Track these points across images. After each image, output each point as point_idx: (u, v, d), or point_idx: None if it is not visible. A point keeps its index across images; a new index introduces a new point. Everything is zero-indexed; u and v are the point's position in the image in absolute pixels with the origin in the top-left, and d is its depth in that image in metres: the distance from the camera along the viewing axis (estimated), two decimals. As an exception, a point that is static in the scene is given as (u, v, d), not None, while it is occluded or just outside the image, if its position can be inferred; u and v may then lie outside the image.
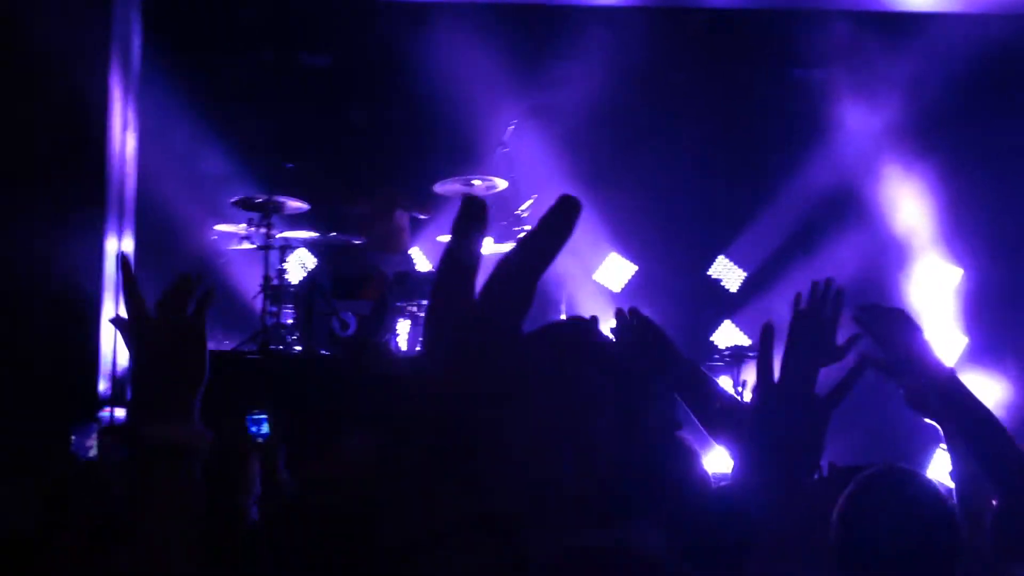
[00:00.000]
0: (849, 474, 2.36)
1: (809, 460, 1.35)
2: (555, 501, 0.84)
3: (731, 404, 2.35)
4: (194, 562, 1.47)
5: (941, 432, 2.28)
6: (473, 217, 0.81)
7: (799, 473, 1.33)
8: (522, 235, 0.81)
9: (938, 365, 2.22)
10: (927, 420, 2.25)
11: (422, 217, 8.80)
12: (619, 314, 2.21)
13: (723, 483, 2.20)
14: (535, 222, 0.79)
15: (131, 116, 8.46)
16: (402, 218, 8.84)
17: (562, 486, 0.82)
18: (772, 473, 1.32)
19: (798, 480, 1.33)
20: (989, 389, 8.18)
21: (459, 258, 0.80)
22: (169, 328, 1.58)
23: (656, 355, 2.20)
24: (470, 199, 0.81)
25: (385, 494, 0.81)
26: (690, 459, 1.98)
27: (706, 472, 2.08)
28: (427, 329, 0.80)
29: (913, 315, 2.27)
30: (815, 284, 1.51)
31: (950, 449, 2.31)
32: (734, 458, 2.07)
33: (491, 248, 8.61)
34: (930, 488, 2.21)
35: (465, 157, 9.08)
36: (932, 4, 9.30)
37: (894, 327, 2.21)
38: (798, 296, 1.61)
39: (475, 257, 0.78)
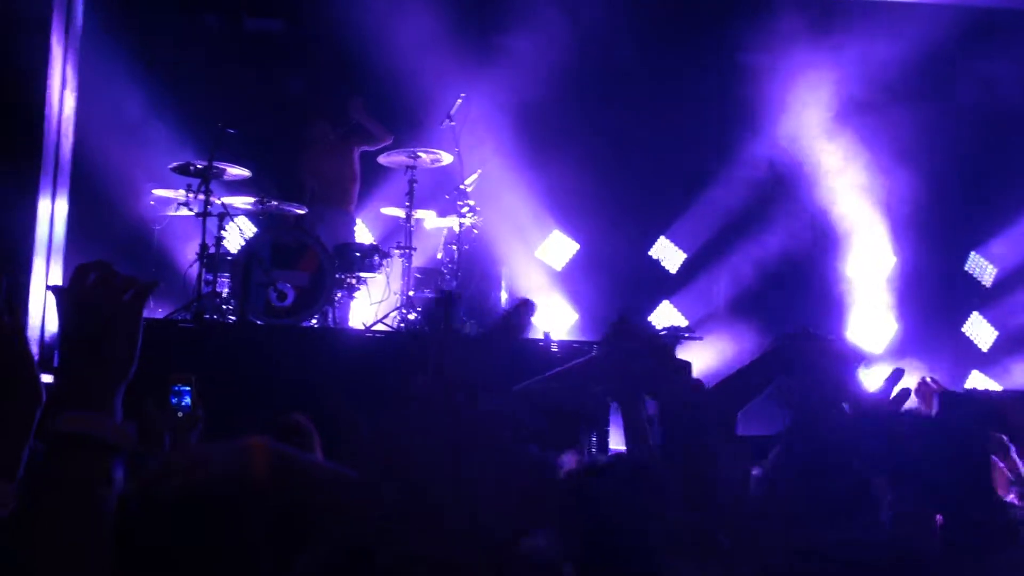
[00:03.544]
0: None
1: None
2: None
3: None
4: (99, 565, 1.37)
5: None
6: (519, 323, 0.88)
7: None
8: (487, 330, 0.88)
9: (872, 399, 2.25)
10: None
11: (380, 144, 8.59)
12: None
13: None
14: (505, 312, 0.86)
15: (71, 75, 8.27)
16: (357, 161, 8.70)
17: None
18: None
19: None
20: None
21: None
22: (103, 310, 1.50)
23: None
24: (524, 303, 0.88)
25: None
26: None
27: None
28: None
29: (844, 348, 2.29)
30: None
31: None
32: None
33: (434, 222, 8.59)
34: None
35: (411, 130, 9.03)
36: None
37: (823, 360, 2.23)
38: None
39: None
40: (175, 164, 7.63)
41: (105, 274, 1.53)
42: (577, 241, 10.11)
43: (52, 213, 7.35)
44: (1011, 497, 2.89)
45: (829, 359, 2.06)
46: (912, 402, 2.82)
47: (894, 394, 2.25)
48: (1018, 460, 2.87)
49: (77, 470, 1.40)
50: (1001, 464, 2.93)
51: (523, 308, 0.90)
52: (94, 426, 1.42)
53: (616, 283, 9.62)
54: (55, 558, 1.37)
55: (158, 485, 1.39)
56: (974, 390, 3.00)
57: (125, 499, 1.41)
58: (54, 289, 1.54)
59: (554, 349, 6.28)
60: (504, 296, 8.94)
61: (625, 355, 1.68)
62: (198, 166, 7.49)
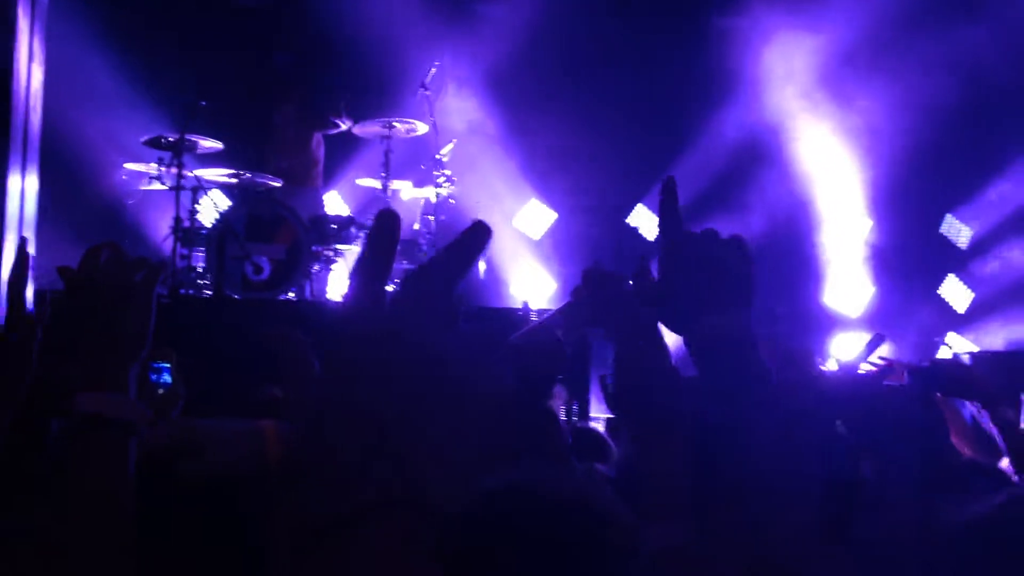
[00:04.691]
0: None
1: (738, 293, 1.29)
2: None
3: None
4: (121, 546, 1.38)
5: None
6: (388, 232, 0.82)
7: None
8: (435, 255, 0.83)
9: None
10: None
11: (340, 129, 8.54)
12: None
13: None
14: (452, 238, 0.82)
15: (38, 48, 8.12)
16: (319, 147, 8.64)
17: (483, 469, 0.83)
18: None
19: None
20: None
21: (371, 272, 0.82)
22: (115, 291, 1.50)
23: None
24: (386, 214, 0.82)
25: (303, 468, 0.81)
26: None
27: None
28: (332, 339, 0.82)
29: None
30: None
31: None
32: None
33: (411, 193, 8.54)
34: None
35: (386, 99, 8.95)
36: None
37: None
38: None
39: (388, 270, 0.82)
40: (147, 138, 7.53)
41: (116, 255, 1.54)
42: (555, 210, 10.08)
43: (22, 189, 7.25)
44: (1004, 464, 2.89)
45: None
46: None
47: (869, 362, 2.22)
48: (992, 427, 2.87)
49: (96, 450, 1.41)
50: (993, 428, 2.93)
51: (477, 231, 0.85)
52: (112, 406, 1.43)
53: (594, 251, 9.60)
54: (78, 538, 1.38)
55: (175, 463, 1.40)
56: (940, 360, 3.00)
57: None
58: (63, 271, 1.54)
59: (533, 319, 6.27)
60: (483, 266, 8.92)
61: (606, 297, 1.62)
62: (170, 139, 7.40)
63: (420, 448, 0.76)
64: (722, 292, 1.29)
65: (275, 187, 7.96)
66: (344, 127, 8.52)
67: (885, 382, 2.36)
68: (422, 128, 8.18)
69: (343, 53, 9.12)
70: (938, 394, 3.09)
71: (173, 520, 1.41)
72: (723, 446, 1.23)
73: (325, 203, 8.80)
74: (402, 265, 8.03)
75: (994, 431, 2.90)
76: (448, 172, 8.23)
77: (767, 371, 1.27)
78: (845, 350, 9.04)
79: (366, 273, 0.82)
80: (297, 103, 8.55)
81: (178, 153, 7.33)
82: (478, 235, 0.82)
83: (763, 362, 1.26)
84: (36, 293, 7.30)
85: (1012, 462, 2.82)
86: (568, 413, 5.59)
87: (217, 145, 7.73)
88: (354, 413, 0.77)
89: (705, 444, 1.26)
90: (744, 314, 1.28)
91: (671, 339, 1.50)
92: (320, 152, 8.66)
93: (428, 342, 0.80)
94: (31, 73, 7.89)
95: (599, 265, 1.72)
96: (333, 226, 7.79)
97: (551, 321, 1.91)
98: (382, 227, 0.82)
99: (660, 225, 1.36)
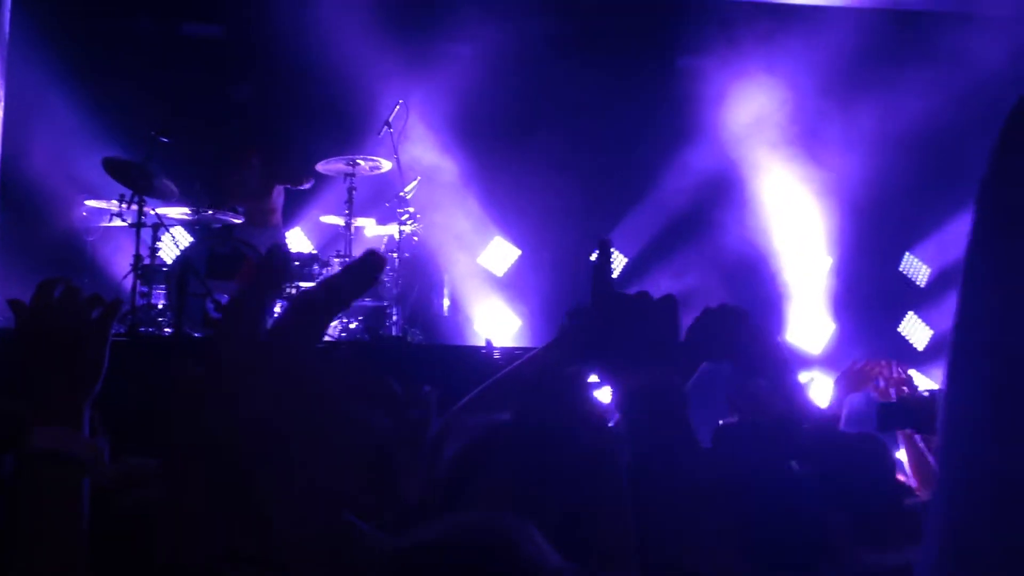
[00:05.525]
0: None
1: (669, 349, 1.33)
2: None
3: None
4: None
5: None
6: (274, 268, 0.81)
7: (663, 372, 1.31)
8: (321, 282, 0.82)
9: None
10: None
11: (304, 187, 8.64)
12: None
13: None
14: (342, 269, 0.80)
15: (-3, 84, 8.07)
16: (279, 196, 8.65)
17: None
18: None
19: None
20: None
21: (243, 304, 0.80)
22: (70, 327, 1.48)
23: None
24: (276, 251, 0.81)
25: (163, 514, 0.77)
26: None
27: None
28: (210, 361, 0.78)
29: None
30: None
31: None
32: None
33: (374, 230, 8.52)
34: None
35: (350, 136, 8.95)
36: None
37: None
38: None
39: (269, 303, 0.80)
40: (106, 156, 7.41)
41: (70, 290, 1.52)
42: (519, 247, 10.09)
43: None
44: None
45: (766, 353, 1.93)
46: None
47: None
48: None
49: (49, 488, 1.39)
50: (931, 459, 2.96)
51: (367, 260, 0.83)
52: (66, 442, 1.41)
53: (558, 289, 9.62)
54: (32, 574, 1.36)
55: (116, 496, 1.38)
56: (907, 396, 3.00)
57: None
58: (14, 304, 1.51)
59: (496, 356, 6.25)
60: (447, 303, 8.90)
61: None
62: (130, 169, 7.30)
63: (276, 494, 0.70)
64: (650, 350, 1.32)
65: (236, 224, 7.91)
66: (307, 187, 8.62)
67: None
68: (386, 165, 8.19)
69: (308, 90, 9.13)
70: (908, 430, 3.12)
71: (116, 553, 1.39)
72: (654, 498, 1.24)
73: (288, 240, 8.78)
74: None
75: None
76: (412, 209, 8.23)
77: (690, 426, 1.30)
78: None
79: (246, 303, 0.79)
80: (263, 158, 8.55)
81: (138, 190, 7.27)
82: (368, 265, 0.80)
83: (687, 418, 1.30)
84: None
85: None
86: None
87: (173, 190, 7.60)
88: (206, 450, 0.72)
89: (638, 493, 1.27)
90: (671, 371, 1.32)
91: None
92: (280, 200, 8.68)
93: (293, 370, 0.77)
94: (-9, 109, 7.82)
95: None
96: (296, 263, 7.76)
97: (542, 357, 1.87)
98: (270, 265, 0.81)
99: (593, 286, 1.40)
